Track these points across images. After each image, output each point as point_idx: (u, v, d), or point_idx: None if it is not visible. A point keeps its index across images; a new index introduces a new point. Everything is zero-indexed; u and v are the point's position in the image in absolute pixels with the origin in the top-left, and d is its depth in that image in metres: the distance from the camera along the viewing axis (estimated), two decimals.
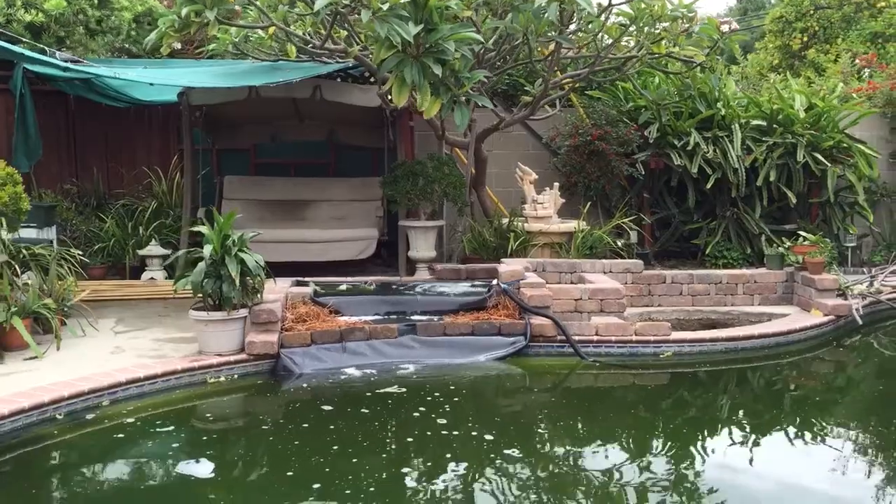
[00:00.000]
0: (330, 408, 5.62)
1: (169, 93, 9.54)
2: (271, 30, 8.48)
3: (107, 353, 6.50)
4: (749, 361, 6.99)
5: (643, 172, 10.20)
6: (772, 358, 7.09)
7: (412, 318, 7.16)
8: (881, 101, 11.53)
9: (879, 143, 11.33)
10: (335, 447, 4.88)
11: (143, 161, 10.79)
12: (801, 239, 8.52)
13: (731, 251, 10.14)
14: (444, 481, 4.41)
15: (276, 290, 7.09)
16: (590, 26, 8.79)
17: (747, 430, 5.53)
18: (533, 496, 4.28)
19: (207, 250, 6.25)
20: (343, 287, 7.71)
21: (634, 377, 6.71)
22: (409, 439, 5.10)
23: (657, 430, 5.47)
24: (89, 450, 4.97)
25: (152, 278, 9.20)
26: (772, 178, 10.02)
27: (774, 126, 10.26)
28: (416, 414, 5.50)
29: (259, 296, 6.61)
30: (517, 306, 7.11)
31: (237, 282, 6.27)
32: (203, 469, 4.52)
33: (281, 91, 8.90)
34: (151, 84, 8.71)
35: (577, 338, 6.85)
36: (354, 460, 4.68)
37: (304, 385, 6.15)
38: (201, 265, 6.29)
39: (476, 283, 7.86)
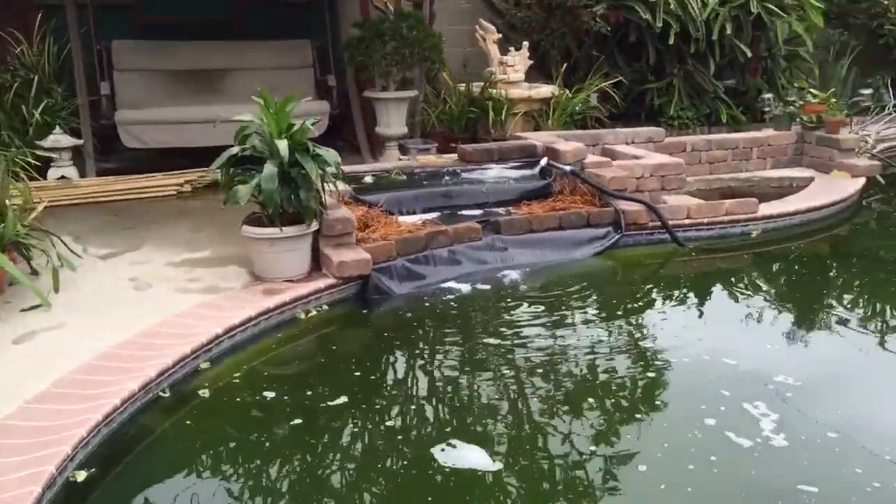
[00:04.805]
0: (497, 341, 4.49)
1: None
2: None
3: (129, 290, 4.84)
4: (829, 229, 6.75)
5: (608, 28, 9.32)
6: (842, 224, 6.90)
7: (471, 212, 6.03)
8: None
9: None
10: (576, 385, 3.89)
11: None
12: (810, 96, 8.15)
13: (685, 111, 9.68)
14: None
15: None
16: None
17: None
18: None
19: (282, 147, 4.67)
20: (368, 179, 6.32)
21: (745, 260, 6.15)
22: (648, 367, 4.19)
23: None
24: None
25: (64, 177, 7.15)
26: (728, 31, 9.56)
27: None
28: (601, 330, 4.61)
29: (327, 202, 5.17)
30: (594, 191, 6.18)
31: (317, 187, 4.81)
32: (476, 457, 3.35)
33: None
34: None
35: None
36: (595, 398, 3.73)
37: (411, 309, 4.93)
38: (271, 167, 4.70)
39: (512, 164, 6.76)
